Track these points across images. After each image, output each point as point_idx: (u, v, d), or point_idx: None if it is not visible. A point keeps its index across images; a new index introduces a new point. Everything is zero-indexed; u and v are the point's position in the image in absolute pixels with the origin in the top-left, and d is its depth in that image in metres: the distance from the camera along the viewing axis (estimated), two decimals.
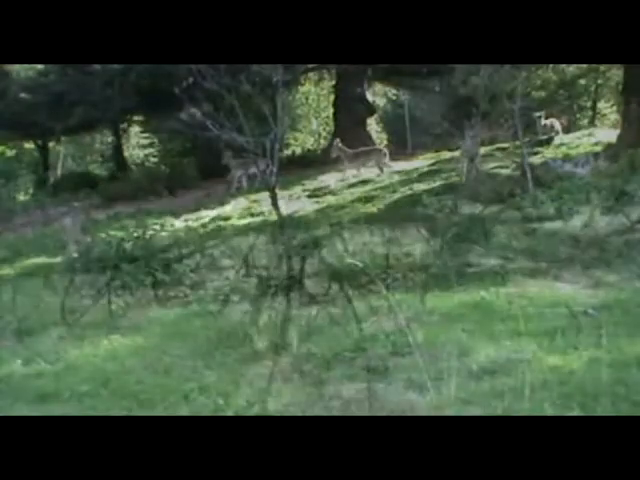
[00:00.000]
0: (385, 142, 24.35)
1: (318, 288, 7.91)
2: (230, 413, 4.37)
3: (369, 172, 18.77)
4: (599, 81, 24.49)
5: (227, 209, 16.18)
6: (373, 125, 29.43)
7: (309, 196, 16.81)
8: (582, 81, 24.14)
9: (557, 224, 8.78)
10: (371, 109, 25.92)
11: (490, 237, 8.64)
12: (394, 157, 21.50)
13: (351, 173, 18.82)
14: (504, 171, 14.86)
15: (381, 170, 18.18)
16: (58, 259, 11.51)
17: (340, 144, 18.76)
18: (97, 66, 20.34)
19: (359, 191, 16.30)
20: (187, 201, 18.36)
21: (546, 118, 18.70)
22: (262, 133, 13.32)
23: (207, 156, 23.41)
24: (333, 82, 26.38)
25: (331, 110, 26.95)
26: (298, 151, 29.36)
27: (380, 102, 32.16)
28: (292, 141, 31.71)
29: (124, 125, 27.81)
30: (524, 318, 5.13)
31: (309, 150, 29.67)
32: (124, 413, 4.73)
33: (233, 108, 13.52)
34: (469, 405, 3.89)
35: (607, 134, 19.39)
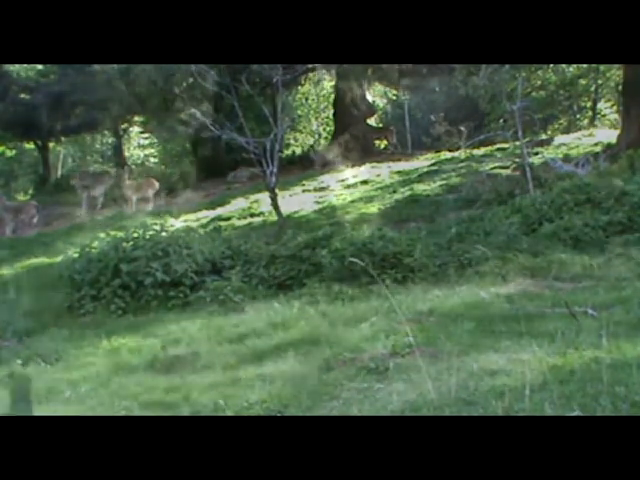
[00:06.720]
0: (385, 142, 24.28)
1: (318, 288, 7.92)
2: (230, 413, 4.37)
3: (369, 172, 18.80)
4: (599, 81, 24.48)
5: (227, 209, 16.19)
6: (373, 125, 29.41)
7: (309, 196, 16.80)
8: (582, 81, 24.11)
9: (556, 224, 8.78)
10: (371, 109, 25.93)
11: (490, 237, 8.65)
12: (394, 157, 21.53)
13: (351, 173, 18.83)
14: (504, 171, 14.88)
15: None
16: (58, 259, 11.52)
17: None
18: (97, 66, 20.33)
19: (359, 191, 16.30)
20: (187, 201, 18.36)
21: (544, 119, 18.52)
22: (262, 133, 13.32)
23: (207, 156, 23.44)
24: (333, 82, 26.39)
25: (331, 110, 26.96)
26: (298, 151, 29.36)
27: (380, 102, 32.14)
28: (292, 141, 31.71)
29: (124, 125, 27.81)
30: (524, 318, 5.13)
31: (309, 150, 29.66)
32: (124, 413, 4.73)
33: (233, 108, 13.61)
34: (469, 405, 3.89)
35: (607, 134, 19.42)
